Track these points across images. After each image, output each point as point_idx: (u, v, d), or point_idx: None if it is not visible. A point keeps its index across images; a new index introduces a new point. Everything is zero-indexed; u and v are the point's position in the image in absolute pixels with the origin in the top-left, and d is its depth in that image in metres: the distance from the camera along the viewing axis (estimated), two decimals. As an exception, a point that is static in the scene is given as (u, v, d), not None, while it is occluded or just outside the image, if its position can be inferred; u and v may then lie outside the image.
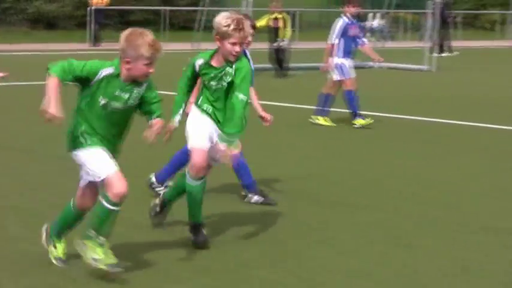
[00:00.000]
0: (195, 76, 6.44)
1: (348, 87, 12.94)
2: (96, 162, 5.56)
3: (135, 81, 5.63)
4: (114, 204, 5.50)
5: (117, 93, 5.59)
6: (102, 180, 5.54)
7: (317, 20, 39.84)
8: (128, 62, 5.53)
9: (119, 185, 5.48)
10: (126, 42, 5.54)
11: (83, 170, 5.70)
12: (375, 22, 36.71)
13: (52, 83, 5.39)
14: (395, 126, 13.33)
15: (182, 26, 36.18)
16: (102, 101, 5.58)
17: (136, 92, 5.65)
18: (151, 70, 5.58)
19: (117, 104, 5.61)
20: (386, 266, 6.13)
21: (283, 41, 21.63)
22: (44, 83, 5.41)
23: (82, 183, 5.78)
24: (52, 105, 5.31)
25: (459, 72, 23.92)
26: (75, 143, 5.64)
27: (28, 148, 10.57)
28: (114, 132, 5.70)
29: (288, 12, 23.79)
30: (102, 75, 5.55)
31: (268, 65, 21.78)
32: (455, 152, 11.03)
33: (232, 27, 6.17)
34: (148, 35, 5.52)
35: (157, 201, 6.72)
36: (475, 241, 6.82)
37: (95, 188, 5.71)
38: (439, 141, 11.86)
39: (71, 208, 5.86)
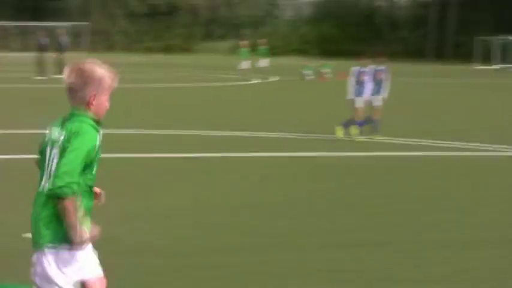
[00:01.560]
0: None
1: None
2: (91, 260, 4.64)
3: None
4: None
5: (101, 150, 4.61)
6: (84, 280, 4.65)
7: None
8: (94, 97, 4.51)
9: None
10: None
11: (69, 268, 4.53)
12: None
13: (69, 209, 4.36)
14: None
15: None
16: (95, 169, 4.58)
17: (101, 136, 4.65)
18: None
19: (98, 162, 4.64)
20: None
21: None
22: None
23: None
24: (81, 232, 4.43)
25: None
26: (65, 236, 4.46)
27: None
28: None
29: None
30: (97, 146, 4.54)
31: None
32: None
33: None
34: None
35: None
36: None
37: None
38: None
39: None
